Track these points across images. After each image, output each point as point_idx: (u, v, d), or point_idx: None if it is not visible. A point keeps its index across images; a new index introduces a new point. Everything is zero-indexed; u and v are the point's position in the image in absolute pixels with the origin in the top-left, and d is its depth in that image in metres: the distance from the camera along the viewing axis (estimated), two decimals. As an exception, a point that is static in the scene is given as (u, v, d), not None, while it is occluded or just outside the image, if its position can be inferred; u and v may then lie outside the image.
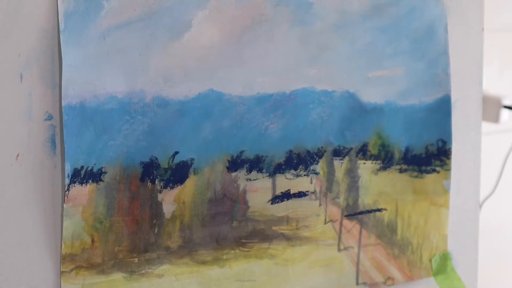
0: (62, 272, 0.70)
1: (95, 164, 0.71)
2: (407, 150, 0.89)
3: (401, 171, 0.89)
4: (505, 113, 1.50)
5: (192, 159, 0.76)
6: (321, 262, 0.84)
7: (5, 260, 0.68)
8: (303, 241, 0.83)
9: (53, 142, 0.69)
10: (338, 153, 0.85)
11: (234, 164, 0.78)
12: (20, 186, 0.68)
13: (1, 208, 0.68)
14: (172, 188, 0.75)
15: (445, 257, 0.93)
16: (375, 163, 0.87)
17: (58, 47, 0.68)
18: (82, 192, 0.71)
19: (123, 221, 0.73)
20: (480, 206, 1.16)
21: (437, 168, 0.92)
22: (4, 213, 0.68)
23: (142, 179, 0.74)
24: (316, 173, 0.84)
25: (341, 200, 0.86)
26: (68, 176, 0.69)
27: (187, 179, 0.76)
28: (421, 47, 0.89)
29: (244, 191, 0.80)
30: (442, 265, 0.93)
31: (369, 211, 0.88)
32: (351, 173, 0.86)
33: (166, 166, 0.75)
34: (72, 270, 0.70)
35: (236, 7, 0.77)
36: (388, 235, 0.88)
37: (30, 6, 0.67)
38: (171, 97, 0.74)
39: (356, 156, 0.86)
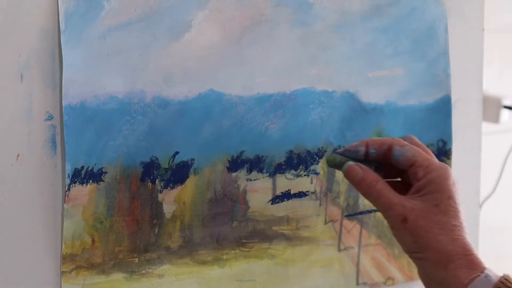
0: (62, 272, 0.70)
1: (95, 164, 0.71)
2: (407, 150, 0.89)
3: (401, 171, 0.89)
4: (505, 113, 1.50)
5: (193, 159, 0.76)
6: (321, 262, 0.84)
7: (5, 260, 0.68)
8: (303, 241, 0.83)
9: (53, 142, 0.69)
10: (338, 153, 0.84)
11: (234, 164, 0.78)
12: (21, 186, 0.68)
13: (1, 208, 0.68)
14: (172, 188, 0.75)
15: (445, 257, 0.93)
16: (375, 163, 0.87)
17: (59, 47, 0.68)
18: (83, 192, 0.71)
19: (123, 221, 0.73)
20: (480, 206, 1.16)
21: (437, 168, 0.91)
22: (4, 213, 0.68)
23: (142, 179, 0.74)
24: (316, 173, 0.84)
25: (341, 200, 0.86)
26: (69, 176, 0.69)
27: (187, 179, 0.76)
28: (421, 47, 0.89)
29: (244, 191, 0.80)
30: (442, 265, 0.93)
31: (369, 211, 0.88)
32: (351, 173, 0.86)
33: (167, 166, 0.75)
34: (72, 270, 0.70)
35: (236, 7, 0.77)
36: (388, 235, 0.88)
37: (30, 6, 0.67)
38: (171, 97, 0.74)
39: (356, 156, 0.86)
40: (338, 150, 0.77)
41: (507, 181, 1.59)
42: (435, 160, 0.75)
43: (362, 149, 0.76)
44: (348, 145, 0.77)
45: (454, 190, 0.74)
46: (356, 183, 0.75)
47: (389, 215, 0.74)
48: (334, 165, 0.77)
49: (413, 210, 0.73)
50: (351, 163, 0.76)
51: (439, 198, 0.73)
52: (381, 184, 0.75)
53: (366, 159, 0.77)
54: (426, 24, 0.89)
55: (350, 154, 0.77)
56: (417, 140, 0.78)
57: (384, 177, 0.78)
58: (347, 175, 0.76)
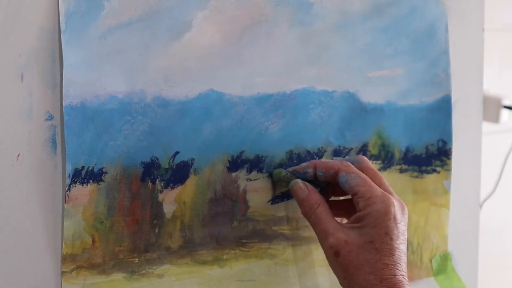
0: (62, 272, 0.70)
1: (95, 164, 0.71)
2: (407, 150, 0.89)
3: (401, 171, 0.89)
4: (505, 113, 1.50)
5: (193, 159, 0.76)
6: (321, 262, 0.84)
7: (5, 260, 0.68)
8: (303, 241, 0.83)
9: (53, 142, 0.69)
10: (338, 153, 0.85)
11: (234, 164, 0.79)
12: (21, 186, 0.68)
13: (1, 208, 0.68)
14: (172, 188, 0.75)
15: (445, 257, 0.93)
16: (375, 163, 0.87)
17: (59, 47, 0.68)
18: (83, 192, 0.71)
19: (123, 221, 0.73)
20: (480, 206, 1.16)
21: (438, 168, 0.92)
22: (4, 213, 0.68)
23: (142, 179, 0.74)
24: (317, 173, 0.83)
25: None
26: (69, 176, 0.69)
27: (187, 179, 0.76)
28: (421, 47, 0.89)
29: (244, 191, 0.80)
30: (443, 265, 0.93)
31: (369, 211, 0.87)
32: (351, 173, 0.86)
33: (167, 166, 0.75)
34: (72, 270, 0.70)
35: (236, 7, 0.77)
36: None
37: (31, 6, 0.67)
38: (171, 97, 0.74)
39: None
40: (288, 169, 0.79)
41: (507, 181, 1.59)
42: (378, 191, 0.74)
43: (310, 171, 0.78)
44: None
45: (393, 225, 0.73)
46: (300, 202, 0.77)
47: (323, 245, 0.75)
48: (279, 179, 0.80)
49: (346, 245, 0.73)
50: (298, 181, 0.78)
51: (374, 234, 0.73)
52: (321, 209, 0.75)
53: (315, 179, 0.78)
54: (426, 24, 0.89)
55: (299, 175, 0.78)
56: (368, 163, 0.78)
57: (335, 195, 0.79)
58: (293, 192, 0.78)
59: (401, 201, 0.76)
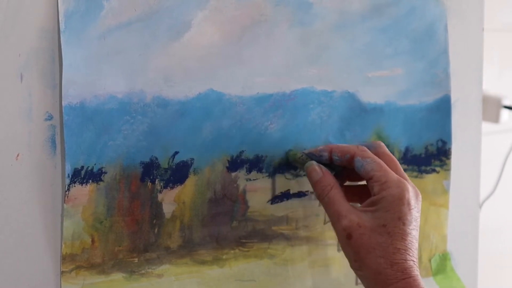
0: (62, 272, 0.70)
1: (95, 164, 0.71)
2: (407, 150, 0.89)
3: (400, 171, 0.89)
4: (505, 113, 1.50)
5: (192, 159, 0.76)
6: (321, 262, 0.84)
7: (5, 260, 0.68)
8: (303, 241, 0.83)
9: (53, 142, 0.69)
10: (338, 153, 0.84)
11: (234, 164, 0.79)
12: (20, 186, 0.68)
13: (1, 208, 0.68)
14: (172, 188, 0.75)
15: (444, 257, 0.93)
16: (375, 163, 0.87)
17: (59, 47, 0.68)
18: (82, 192, 0.71)
19: (123, 221, 0.73)
20: (480, 206, 1.16)
21: (437, 168, 0.92)
22: (3, 213, 0.68)
23: (142, 179, 0.74)
24: (316, 173, 0.83)
25: (341, 200, 0.85)
26: (68, 176, 0.69)
27: (187, 179, 0.76)
28: (421, 47, 0.89)
29: (244, 191, 0.80)
30: (442, 265, 0.93)
31: (369, 211, 0.87)
32: (351, 173, 0.86)
33: (166, 166, 0.75)
34: (72, 270, 0.70)
35: (236, 7, 0.77)
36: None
37: (30, 6, 0.67)
38: (171, 97, 0.74)
39: (356, 156, 0.86)
40: (304, 151, 0.79)
41: (507, 181, 1.59)
42: (394, 176, 0.74)
43: (326, 154, 0.78)
44: (314, 148, 0.78)
45: (407, 210, 0.73)
46: (313, 184, 0.77)
47: (335, 227, 0.75)
48: (294, 160, 0.80)
49: (359, 228, 0.73)
50: (313, 163, 0.78)
51: (388, 218, 0.73)
52: (334, 191, 0.75)
53: (330, 163, 0.78)
54: (426, 23, 0.89)
55: (315, 158, 0.78)
56: (384, 149, 0.78)
57: (350, 180, 0.79)
58: (307, 174, 0.78)
59: (415, 187, 0.76)
